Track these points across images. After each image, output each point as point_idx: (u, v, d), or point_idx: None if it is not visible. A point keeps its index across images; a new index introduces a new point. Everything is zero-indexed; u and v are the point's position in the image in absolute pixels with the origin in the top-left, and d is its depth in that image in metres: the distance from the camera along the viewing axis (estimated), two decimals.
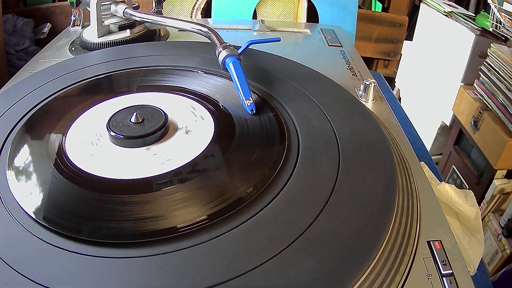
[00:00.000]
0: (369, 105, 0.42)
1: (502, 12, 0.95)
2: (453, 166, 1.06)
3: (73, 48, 0.53)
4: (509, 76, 0.84)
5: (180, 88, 0.39)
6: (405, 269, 0.24)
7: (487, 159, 0.90)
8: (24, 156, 0.30)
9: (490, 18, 1.01)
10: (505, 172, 0.90)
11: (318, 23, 0.74)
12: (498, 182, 0.89)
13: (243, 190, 0.27)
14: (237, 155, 0.31)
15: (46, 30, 0.94)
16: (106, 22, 0.52)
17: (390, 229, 0.25)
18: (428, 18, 1.20)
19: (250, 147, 0.31)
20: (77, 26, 0.60)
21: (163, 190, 0.27)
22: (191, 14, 0.78)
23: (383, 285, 0.23)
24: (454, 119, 1.06)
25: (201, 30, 0.45)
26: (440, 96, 1.14)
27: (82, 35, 0.53)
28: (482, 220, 0.87)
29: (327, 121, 0.34)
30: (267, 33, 0.62)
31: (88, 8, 0.52)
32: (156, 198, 0.26)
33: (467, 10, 1.21)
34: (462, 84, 1.03)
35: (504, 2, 0.97)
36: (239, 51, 0.40)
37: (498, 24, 0.98)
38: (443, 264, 0.24)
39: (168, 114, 0.33)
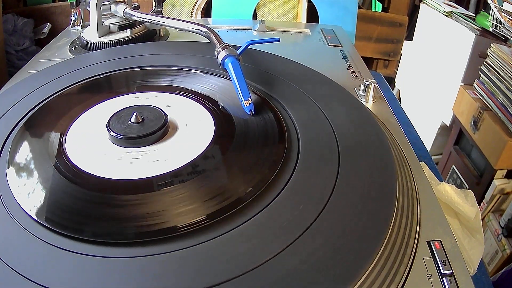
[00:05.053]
0: (369, 105, 0.42)
1: (502, 12, 0.95)
2: (453, 166, 1.06)
3: (73, 48, 0.53)
4: (509, 76, 0.84)
5: (180, 88, 0.39)
6: (405, 269, 0.24)
7: (487, 159, 0.90)
8: (24, 156, 0.30)
9: (490, 18, 1.01)
10: (505, 172, 0.90)
11: (318, 23, 0.74)
12: (498, 182, 0.89)
13: (243, 190, 0.27)
14: (237, 155, 0.31)
15: (46, 30, 0.94)
16: (106, 22, 0.52)
17: (390, 229, 0.25)
18: (428, 18, 1.20)
19: (250, 147, 0.31)
20: (77, 26, 0.60)
21: (163, 190, 0.27)
22: (191, 14, 0.78)
23: (383, 285, 0.23)
24: (454, 119, 1.06)
25: (200, 30, 0.45)
26: (440, 96, 1.14)
27: (82, 35, 0.53)
28: (482, 220, 0.87)
29: (327, 121, 0.34)
30: (267, 33, 0.61)
31: (88, 8, 0.52)
32: (156, 198, 0.26)
33: (467, 10, 1.21)
34: (462, 84, 1.03)
35: (504, 2, 0.97)
36: (238, 51, 0.39)
37: (498, 24, 0.98)
38: (443, 264, 0.24)
39: (168, 114, 0.34)
